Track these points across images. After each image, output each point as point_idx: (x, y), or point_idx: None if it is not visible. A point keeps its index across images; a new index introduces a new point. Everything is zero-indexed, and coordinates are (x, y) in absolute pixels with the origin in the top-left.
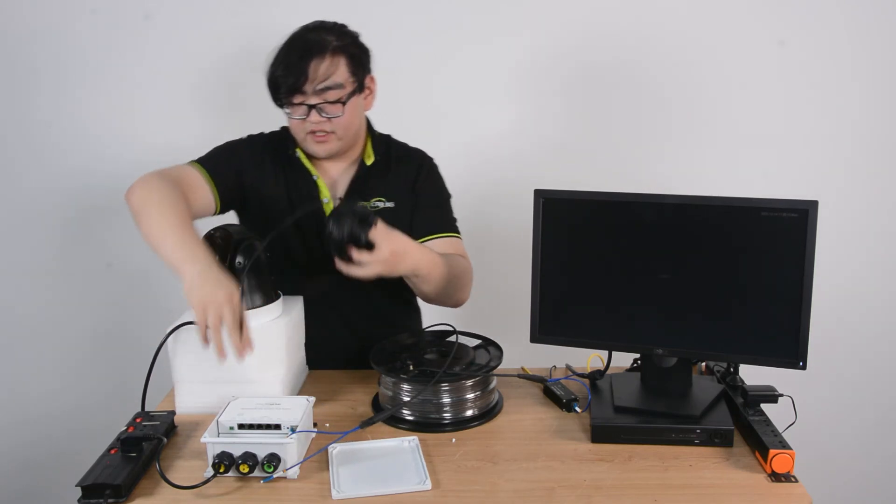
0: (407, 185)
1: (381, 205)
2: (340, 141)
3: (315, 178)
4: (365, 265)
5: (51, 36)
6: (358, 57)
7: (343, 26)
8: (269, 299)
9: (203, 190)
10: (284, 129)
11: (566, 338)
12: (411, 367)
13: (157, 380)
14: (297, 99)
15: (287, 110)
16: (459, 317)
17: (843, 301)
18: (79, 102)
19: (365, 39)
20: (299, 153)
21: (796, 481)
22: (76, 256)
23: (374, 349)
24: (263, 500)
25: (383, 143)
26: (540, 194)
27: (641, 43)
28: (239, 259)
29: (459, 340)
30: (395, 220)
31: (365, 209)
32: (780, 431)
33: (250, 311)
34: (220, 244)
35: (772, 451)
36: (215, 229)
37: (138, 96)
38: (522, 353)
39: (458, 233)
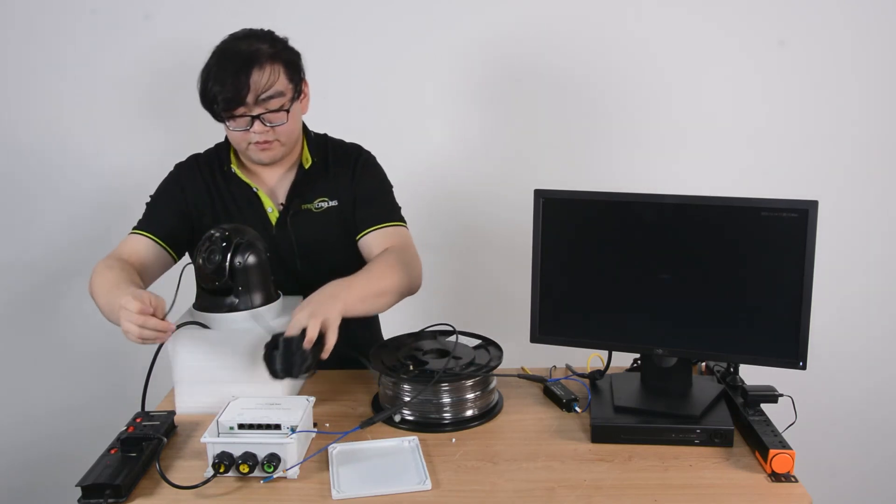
0: (347, 182)
1: (325, 205)
2: (284, 146)
3: (255, 190)
4: (326, 338)
5: (51, 36)
6: (294, 62)
7: (271, 33)
8: (269, 299)
9: (151, 252)
10: (218, 147)
11: (566, 338)
12: (411, 367)
13: (157, 380)
14: (239, 111)
15: (228, 123)
16: (459, 317)
17: (843, 301)
18: (79, 102)
19: (356, 39)
20: (235, 169)
21: (796, 481)
22: (76, 255)
23: (374, 349)
24: (263, 500)
25: (320, 144)
26: (540, 194)
27: (642, 42)
28: (238, 259)
29: (459, 340)
30: (340, 217)
31: (276, 340)
32: (780, 431)
33: (251, 310)
34: (219, 243)
35: (772, 451)
36: (215, 229)
37: (138, 96)
38: (522, 353)
39: (401, 221)
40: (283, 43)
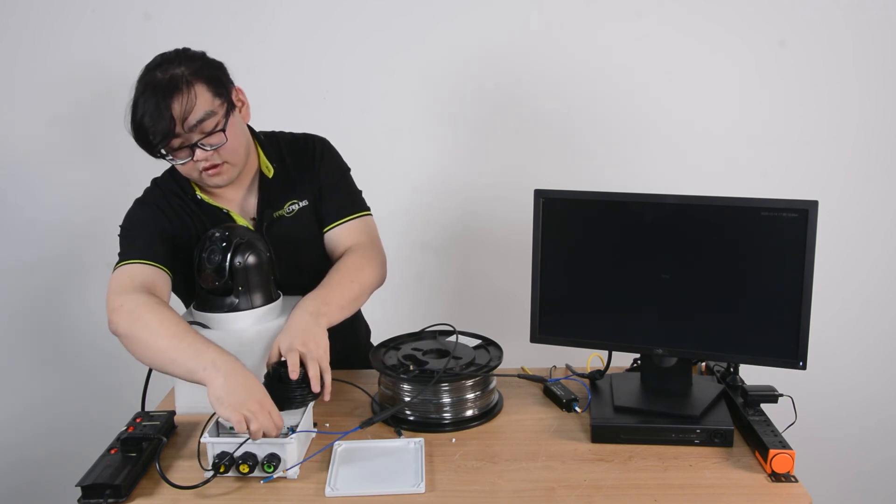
0: (310, 177)
1: (296, 206)
2: (235, 166)
3: (226, 211)
4: (324, 379)
5: (51, 35)
6: (215, 77)
7: (186, 51)
8: (269, 299)
9: (159, 279)
10: (174, 175)
11: (566, 338)
12: (411, 367)
13: (157, 380)
14: (176, 143)
15: (170, 158)
16: (459, 317)
17: (843, 301)
18: (79, 102)
19: (356, 39)
20: (201, 196)
21: (796, 481)
22: (76, 255)
23: (374, 349)
24: (263, 500)
25: (275, 147)
26: (540, 194)
27: (642, 42)
28: (238, 259)
29: (459, 340)
30: (313, 214)
31: (278, 372)
32: (780, 431)
33: (251, 310)
34: (219, 243)
35: (772, 451)
36: (215, 229)
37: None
38: (522, 353)
39: (364, 210)
40: (199, 59)
